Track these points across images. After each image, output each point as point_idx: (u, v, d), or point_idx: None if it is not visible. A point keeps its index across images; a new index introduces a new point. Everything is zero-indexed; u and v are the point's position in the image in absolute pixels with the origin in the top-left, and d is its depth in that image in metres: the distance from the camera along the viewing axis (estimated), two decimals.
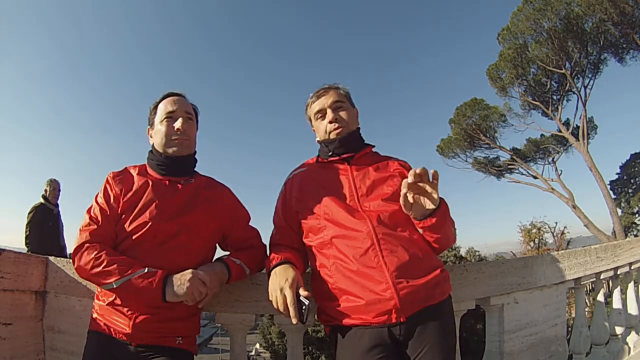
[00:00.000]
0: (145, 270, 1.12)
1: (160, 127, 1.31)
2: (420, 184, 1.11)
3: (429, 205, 1.13)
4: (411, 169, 1.34)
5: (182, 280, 1.13)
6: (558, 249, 18.98)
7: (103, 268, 1.12)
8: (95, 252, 1.15)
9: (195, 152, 1.39)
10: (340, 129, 1.32)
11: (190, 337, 1.29)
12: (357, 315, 1.11)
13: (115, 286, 1.12)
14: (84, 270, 1.16)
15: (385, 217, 1.17)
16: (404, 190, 1.11)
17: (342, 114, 1.34)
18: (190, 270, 1.16)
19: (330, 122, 1.32)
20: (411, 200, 1.13)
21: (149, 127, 1.37)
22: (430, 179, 1.10)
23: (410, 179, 1.08)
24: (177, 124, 1.30)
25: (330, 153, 1.32)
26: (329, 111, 1.33)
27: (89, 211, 1.26)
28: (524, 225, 21.17)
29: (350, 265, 1.13)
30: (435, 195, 1.12)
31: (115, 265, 1.12)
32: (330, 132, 1.33)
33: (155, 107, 1.35)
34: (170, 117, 1.31)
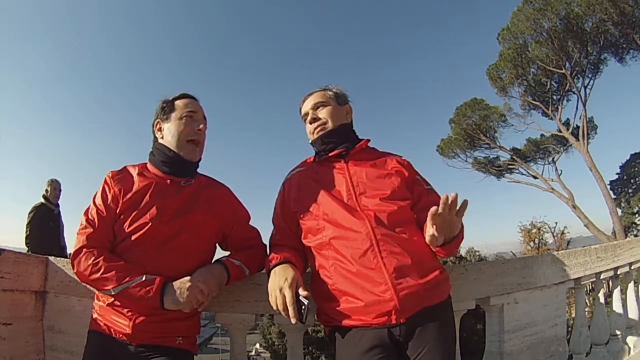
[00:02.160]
0: (143, 278, 1.12)
1: (178, 123, 1.30)
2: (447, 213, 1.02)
3: (451, 233, 1.09)
4: (410, 166, 1.33)
5: (181, 290, 1.13)
6: (558, 249, 18.97)
7: (101, 275, 1.12)
8: (93, 258, 1.15)
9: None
10: (320, 127, 1.35)
11: (190, 337, 1.29)
12: (356, 316, 1.11)
13: (113, 293, 1.13)
14: (83, 275, 1.17)
15: (384, 217, 1.17)
16: (431, 225, 1.04)
17: (322, 112, 1.37)
18: (188, 278, 1.16)
19: (311, 123, 1.37)
20: (436, 233, 1.06)
21: (158, 119, 1.34)
22: (457, 206, 1.02)
23: (441, 208, 0.99)
24: (201, 127, 1.32)
25: (318, 151, 1.36)
26: (310, 113, 1.38)
27: (85, 213, 1.25)
28: (524, 225, 21.20)
29: (349, 267, 1.13)
30: (455, 227, 1.09)
31: (112, 272, 1.12)
32: (312, 133, 1.37)
33: (172, 102, 1.34)
34: (191, 117, 1.32)
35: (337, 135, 1.34)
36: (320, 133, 1.35)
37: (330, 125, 1.35)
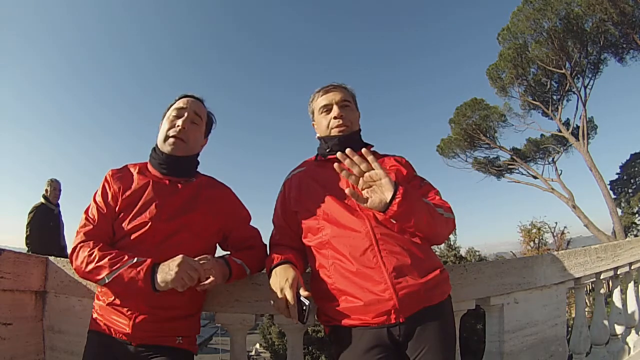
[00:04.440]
0: (135, 260, 1.11)
1: (164, 123, 1.31)
2: (365, 172, 1.11)
3: (386, 192, 1.08)
4: (408, 164, 1.33)
5: (170, 266, 1.09)
6: (558, 249, 18.96)
7: (95, 264, 1.12)
8: (89, 249, 1.15)
9: (197, 154, 1.39)
10: (344, 127, 1.32)
11: (190, 336, 1.29)
12: (356, 315, 1.11)
13: (107, 280, 1.11)
14: (80, 269, 1.16)
15: (383, 217, 1.16)
16: (347, 190, 1.10)
17: (348, 112, 1.34)
18: (180, 255, 1.12)
19: (335, 118, 1.32)
20: (366, 196, 1.11)
21: (161, 122, 1.36)
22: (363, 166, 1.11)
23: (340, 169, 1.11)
24: (179, 121, 1.29)
25: (329, 150, 1.31)
26: (335, 107, 1.33)
27: (86, 211, 1.26)
28: (524, 225, 21.16)
29: (348, 266, 1.13)
30: (384, 180, 1.09)
31: (106, 259, 1.12)
32: (332, 128, 1.32)
33: (172, 104, 1.35)
34: (177, 115, 1.31)
35: (352, 141, 1.32)
36: (341, 133, 1.31)
37: (352, 128, 1.33)
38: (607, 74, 16.81)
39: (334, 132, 1.32)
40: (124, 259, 1.12)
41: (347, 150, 1.11)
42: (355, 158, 1.12)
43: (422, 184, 1.32)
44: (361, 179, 1.13)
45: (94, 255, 1.14)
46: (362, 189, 1.13)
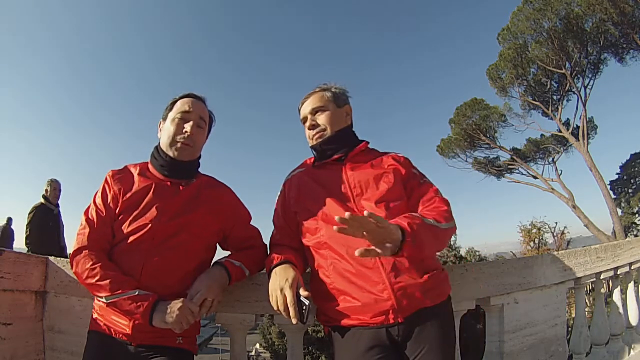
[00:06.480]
0: (136, 293, 1.12)
1: (169, 125, 1.29)
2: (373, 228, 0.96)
3: (395, 239, 0.98)
4: (407, 162, 1.32)
5: (172, 309, 1.11)
6: (558, 249, 18.95)
7: (96, 281, 1.13)
8: (91, 262, 1.15)
9: (200, 155, 1.38)
10: (319, 134, 1.32)
11: (190, 336, 1.29)
12: (355, 315, 1.11)
13: (106, 301, 1.13)
14: (80, 277, 1.18)
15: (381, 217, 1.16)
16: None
17: (321, 118, 1.33)
18: (181, 300, 1.14)
19: (309, 129, 1.35)
20: (379, 249, 0.98)
21: (161, 120, 1.35)
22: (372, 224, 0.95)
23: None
24: (187, 127, 1.27)
25: (316, 157, 1.35)
26: (308, 118, 1.35)
27: (86, 212, 1.26)
28: (524, 225, 21.13)
29: (347, 266, 1.13)
30: (392, 232, 0.97)
31: (107, 281, 1.12)
32: (311, 138, 1.35)
33: (174, 103, 1.34)
34: (182, 118, 1.29)
35: (336, 142, 1.31)
36: (319, 140, 1.32)
37: (329, 131, 1.32)
38: (607, 74, 16.86)
39: (313, 142, 1.34)
40: (126, 287, 1.12)
41: (347, 215, 0.93)
42: (354, 222, 0.95)
43: (421, 181, 1.30)
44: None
45: (95, 271, 1.14)
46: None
